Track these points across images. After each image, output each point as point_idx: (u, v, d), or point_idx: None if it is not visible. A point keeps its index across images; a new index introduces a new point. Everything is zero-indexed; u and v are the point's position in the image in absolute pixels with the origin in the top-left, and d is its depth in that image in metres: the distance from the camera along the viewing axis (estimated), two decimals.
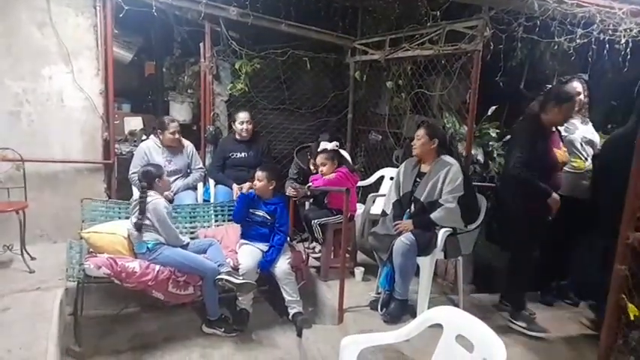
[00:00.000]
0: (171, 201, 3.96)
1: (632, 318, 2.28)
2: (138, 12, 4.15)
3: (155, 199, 3.16)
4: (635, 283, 2.22)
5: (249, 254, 3.36)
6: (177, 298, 3.17)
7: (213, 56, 4.71)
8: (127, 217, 3.31)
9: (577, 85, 3.48)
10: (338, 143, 4.14)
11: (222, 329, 3.26)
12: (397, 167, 3.61)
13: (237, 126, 4.32)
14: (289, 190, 4.02)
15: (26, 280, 3.39)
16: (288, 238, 3.62)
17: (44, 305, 3.03)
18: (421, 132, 3.30)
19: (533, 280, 3.66)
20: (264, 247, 3.44)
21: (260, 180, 3.48)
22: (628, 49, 3.71)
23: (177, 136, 4.10)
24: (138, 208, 3.09)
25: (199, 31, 4.66)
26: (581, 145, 3.44)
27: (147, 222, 3.11)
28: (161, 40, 5.43)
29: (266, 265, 3.36)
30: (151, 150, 4.08)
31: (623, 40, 3.69)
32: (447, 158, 3.28)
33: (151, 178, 3.22)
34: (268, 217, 3.50)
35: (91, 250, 3.15)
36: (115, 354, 3.00)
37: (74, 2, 4.08)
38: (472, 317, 1.98)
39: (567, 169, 3.43)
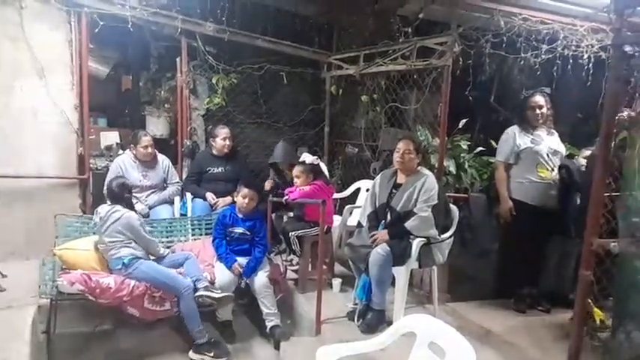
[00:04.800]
0: (146, 215, 3.95)
1: (597, 322, 2.38)
2: (114, 27, 4.17)
3: (126, 212, 3.13)
4: (600, 288, 2.32)
5: (225, 267, 3.36)
6: (153, 315, 3.12)
7: (189, 71, 4.74)
8: None
9: (539, 99, 3.61)
10: (317, 157, 4.19)
11: (212, 354, 3.09)
12: (374, 179, 3.68)
13: (219, 142, 4.30)
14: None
15: None
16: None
17: (16, 324, 2.95)
18: (410, 147, 3.33)
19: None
20: (245, 260, 3.44)
21: (252, 199, 3.49)
22: (590, 64, 3.90)
23: (149, 150, 4.08)
24: (111, 222, 3.07)
25: (176, 46, 4.70)
26: (547, 155, 3.57)
27: (120, 237, 3.08)
28: (138, 55, 5.44)
29: (247, 272, 3.35)
30: (126, 164, 4.06)
31: (585, 56, 3.88)
32: (423, 170, 3.38)
33: (125, 191, 3.22)
34: (248, 233, 3.50)
35: (64, 266, 3.11)
36: None
37: (49, 17, 4.06)
38: (444, 325, 2.03)
39: (535, 179, 3.55)
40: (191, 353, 3.13)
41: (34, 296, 3.19)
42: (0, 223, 3.62)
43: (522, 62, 3.93)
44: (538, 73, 3.96)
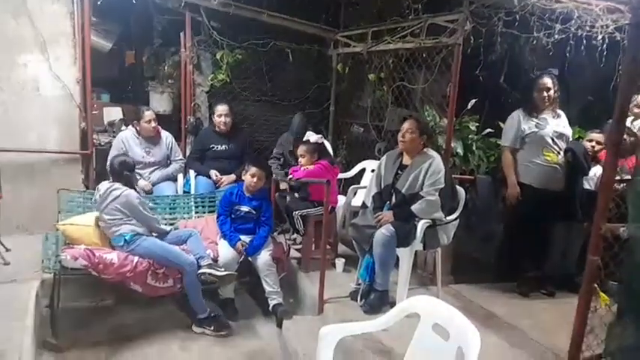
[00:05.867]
0: (150, 192, 3.93)
1: (602, 306, 2.36)
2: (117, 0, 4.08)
3: (125, 191, 3.09)
4: (606, 273, 2.30)
5: (229, 245, 3.35)
6: (156, 291, 3.11)
7: (193, 46, 4.66)
8: None
9: (547, 81, 3.54)
10: (322, 136, 4.14)
11: (212, 328, 3.14)
12: (379, 160, 3.63)
13: (216, 119, 4.28)
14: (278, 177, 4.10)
15: (1, 272, 3.32)
16: None
17: (20, 297, 2.97)
18: (413, 126, 3.28)
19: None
20: (248, 239, 3.42)
21: (259, 178, 3.45)
22: (604, 46, 3.80)
23: (153, 124, 4.04)
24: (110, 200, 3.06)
25: (180, 20, 4.60)
26: (553, 139, 3.52)
27: (119, 215, 3.06)
28: (141, 29, 5.35)
29: (251, 250, 3.35)
30: (129, 140, 4.03)
31: (599, 37, 3.76)
32: (430, 151, 3.32)
33: (126, 168, 3.18)
34: (253, 212, 3.48)
35: (67, 241, 3.10)
36: (92, 346, 2.95)
37: None
38: (448, 306, 2.01)
39: (541, 162, 3.51)
40: (194, 327, 3.18)
41: (37, 271, 3.21)
42: (4, 197, 3.60)
43: (535, 42, 3.83)
44: (550, 53, 3.87)
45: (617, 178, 2.49)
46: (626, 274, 2.34)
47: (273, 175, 4.08)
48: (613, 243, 2.28)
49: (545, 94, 3.53)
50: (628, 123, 3.03)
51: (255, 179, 3.44)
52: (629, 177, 2.70)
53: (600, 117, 3.94)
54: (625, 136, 2.64)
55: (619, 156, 2.24)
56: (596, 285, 2.27)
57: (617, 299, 2.45)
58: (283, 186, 4.13)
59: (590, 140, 3.75)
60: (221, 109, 4.27)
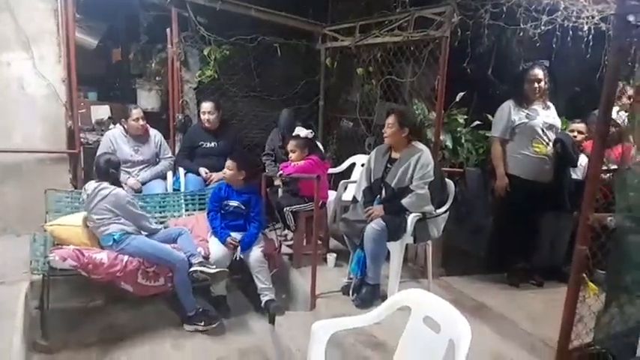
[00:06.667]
0: (139, 190, 3.90)
1: (591, 295, 2.39)
2: None
3: (113, 190, 3.06)
4: (594, 262, 2.32)
5: (219, 242, 3.33)
6: (147, 290, 3.10)
7: (180, 42, 4.61)
8: None
9: (538, 72, 3.56)
10: (312, 131, 4.14)
11: (203, 322, 3.15)
12: (368, 154, 3.64)
13: (201, 116, 4.25)
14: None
15: None
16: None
17: (8, 300, 2.94)
18: (391, 120, 3.29)
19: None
20: (239, 236, 3.41)
21: (230, 169, 3.43)
22: (590, 36, 3.82)
23: (141, 122, 4.00)
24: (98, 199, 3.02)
25: (166, 15, 4.56)
26: (542, 130, 3.54)
27: (109, 215, 3.03)
28: (127, 26, 5.29)
29: (244, 246, 3.34)
30: (117, 139, 3.99)
31: (585, 27, 3.78)
32: (418, 145, 3.32)
33: (111, 167, 3.14)
34: (242, 207, 3.46)
35: (56, 242, 3.07)
36: (83, 347, 2.93)
37: None
38: (439, 299, 2.02)
39: (530, 154, 3.53)
40: (185, 325, 3.17)
41: (26, 272, 3.16)
42: None
43: (522, 34, 3.84)
44: (537, 45, 3.88)
45: (604, 168, 2.51)
46: (613, 263, 2.37)
47: (266, 171, 4.07)
48: (600, 232, 2.30)
49: (535, 85, 3.55)
50: (614, 114, 3.06)
51: (227, 170, 3.43)
52: (615, 167, 2.72)
53: (587, 107, 3.97)
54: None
55: (605, 146, 2.26)
56: (584, 274, 2.30)
57: (605, 288, 2.48)
58: (277, 182, 4.11)
59: (572, 130, 3.78)
60: (205, 106, 4.23)
